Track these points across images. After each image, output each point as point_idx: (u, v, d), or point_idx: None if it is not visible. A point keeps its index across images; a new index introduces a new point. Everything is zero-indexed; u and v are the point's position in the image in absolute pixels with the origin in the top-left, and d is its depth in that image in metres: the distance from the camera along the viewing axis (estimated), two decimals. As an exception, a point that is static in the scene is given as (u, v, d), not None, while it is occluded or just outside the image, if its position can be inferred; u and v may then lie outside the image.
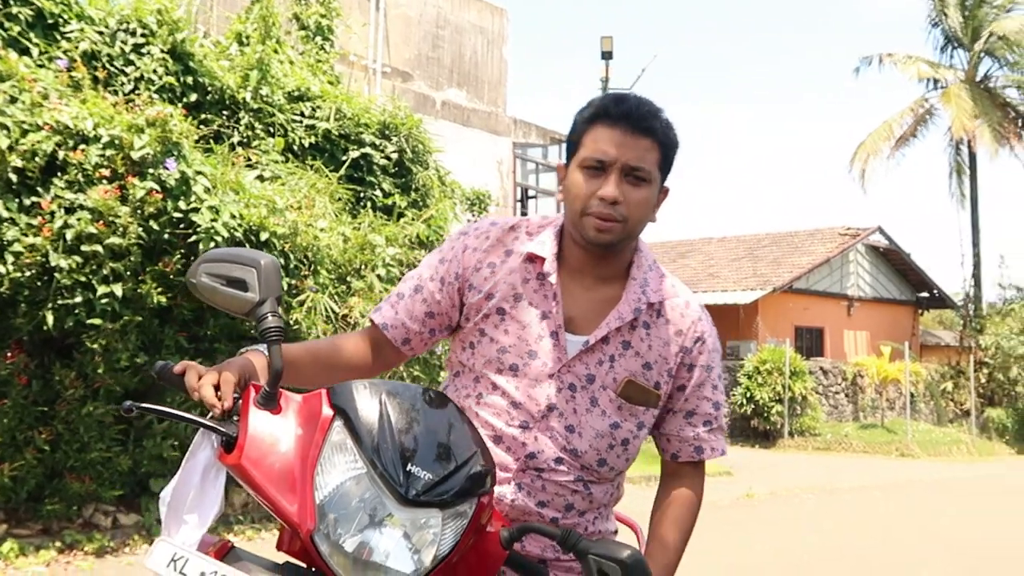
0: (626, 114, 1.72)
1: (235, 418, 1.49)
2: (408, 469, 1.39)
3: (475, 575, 1.51)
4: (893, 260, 26.92)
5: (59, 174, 6.08)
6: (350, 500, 1.38)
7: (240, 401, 1.50)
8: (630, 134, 1.71)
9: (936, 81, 27.54)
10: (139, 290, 6.28)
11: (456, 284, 1.84)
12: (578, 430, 1.78)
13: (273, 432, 1.45)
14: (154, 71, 7.54)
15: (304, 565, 1.47)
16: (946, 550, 8.18)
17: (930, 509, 11.33)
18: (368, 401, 1.44)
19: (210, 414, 1.52)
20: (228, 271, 1.53)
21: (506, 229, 1.86)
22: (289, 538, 1.48)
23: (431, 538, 1.40)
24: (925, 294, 27.84)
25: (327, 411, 1.45)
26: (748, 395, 20.38)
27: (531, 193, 20.05)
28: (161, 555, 1.38)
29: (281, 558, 1.51)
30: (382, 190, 9.28)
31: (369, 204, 9.03)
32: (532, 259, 1.81)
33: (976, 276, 26.27)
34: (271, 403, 1.47)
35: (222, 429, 1.46)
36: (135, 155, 6.19)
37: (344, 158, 8.98)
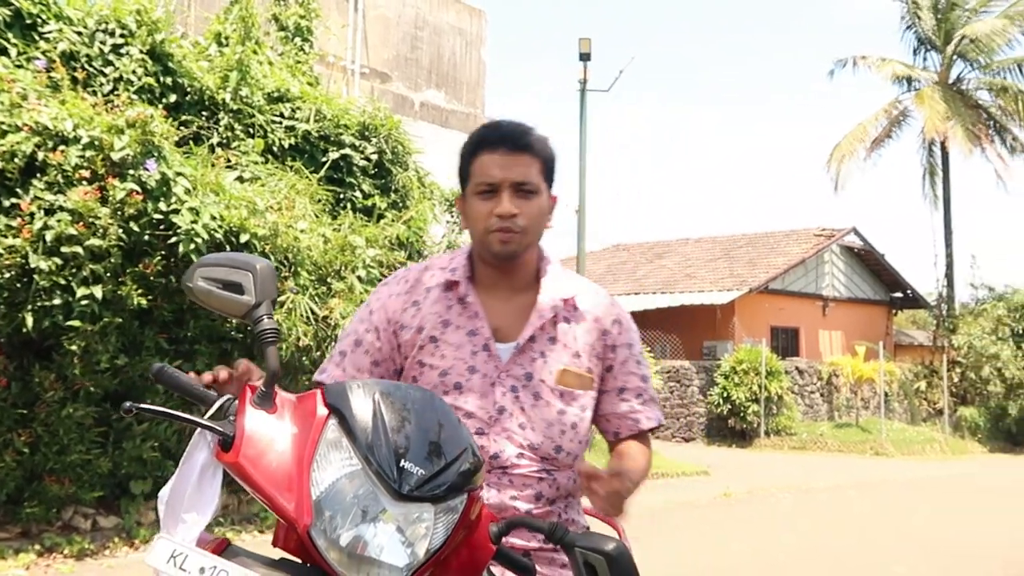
0: (503, 137, 1.93)
1: (231, 418, 1.52)
2: (401, 465, 1.43)
3: (465, 568, 1.56)
4: (867, 261, 27.19)
5: (38, 175, 6.07)
6: (345, 496, 1.43)
7: (236, 401, 1.54)
8: (510, 154, 1.91)
9: (910, 82, 27.84)
10: (119, 292, 6.28)
11: (390, 328, 2.00)
12: (530, 425, 1.93)
13: (269, 431, 1.49)
14: (133, 72, 7.53)
15: (300, 560, 1.51)
16: (920, 548, 8.30)
17: (904, 507, 11.48)
18: (362, 400, 1.49)
19: (208, 414, 1.56)
20: (224, 275, 1.56)
21: (422, 269, 2.06)
22: (284, 534, 1.52)
23: (423, 532, 1.44)
24: (899, 294, 28.14)
25: (322, 410, 1.49)
26: (725, 395, 20.53)
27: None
28: (161, 552, 1.42)
29: (276, 555, 1.55)
30: (362, 191, 9.30)
31: (349, 205, 9.05)
32: (450, 286, 2.00)
33: (949, 276, 26.55)
34: (267, 403, 1.51)
35: (219, 428, 1.50)
36: (115, 156, 6.20)
37: (324, 159, 9.00)
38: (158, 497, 1.55)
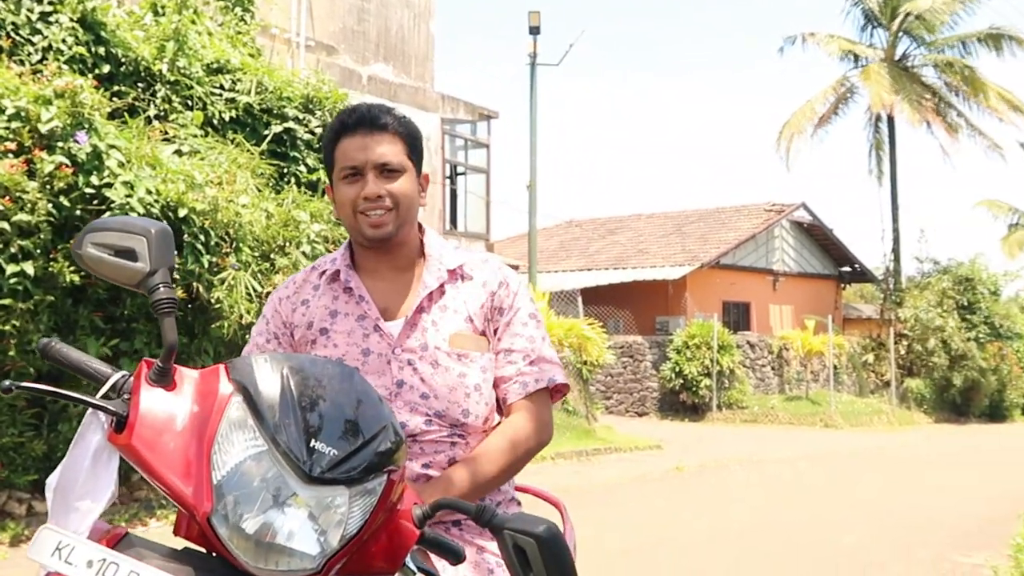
0: (360, 119, 1.92)
1: (126, 396, 1.39)
2: (312, 446, 1.31)
3: (386, 555, 1.44)
4: (816, 235, 27.46)
5: (-39, 148, 5.80)
6: (251, 480, 1.30)
7: (132, 378, 1.41)
8: (370, 135, 1.90)
9: (857, 59, 28.06)
10: (50, 269, 6.05)
11: (286, 332, 1.99)
12: (432, 394, 1.89)
13: (167, 410, 1.36)
14: (63, 41, 7.25)
15: (204, 550, 1.38)
16: (869, 518, 8.37)
17: (853, 478, 11.62)
18: (269, 375, 1.36)
19: (100, 392, 1.42)
20: (116, 240, 1.42)
21: (308, 271, 2.06)
22: (187, 523, 1.39)
23: (338, 518, 1.32)
24: (847, 269, 28.50)
25: (225, 387, 1.36)
26: (677, 370, 20.64)
27: (460, 170, 19.94)
28: (45, 543, 1.29)
29: (180, 544, 1.42)
30: (306, 165, 9.09)
31: (293, 180, 8.84)
32: (334, 278, 1.99)
33: (896, 251, 26.93)
34: (165, 379, 1.38)
35: (111, 408, 1.36)
36: (43, 128, 5.95)
37: (266, 133, 8.78)
38: (46, 484, 1.41)
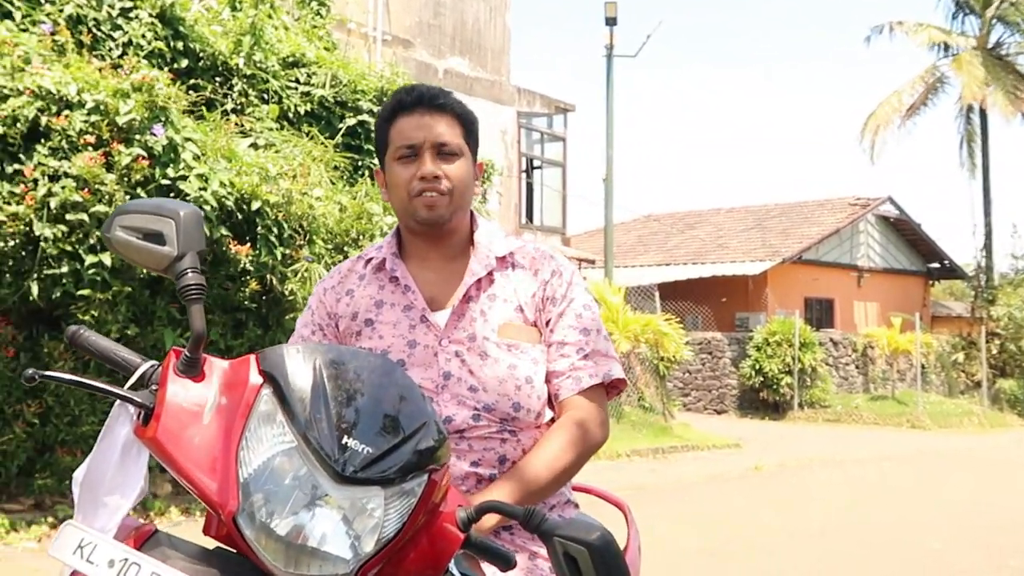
0: (419, 98, 1.83)
1: (154, 387, 1.32)
2: (344, 443, 1.22)
3: (427, 560, 1.34)
4: (904, 230, 26.63)
5: (42, 141, 5.91)
6: (280, 478, 1.22)
7: (159, 368, 1.34)
8: (429, 114, 1.82)
9: (947, 48, 27.11)
10: (128, 260, 6.12)
11: (331, 323, 1.92)
12: (481, 387, 1.79)
13: (194, 402, 1.28)
14: (142, 36, 7.35)
15: (234, 551, 1.30)
16: (957, 523, 8.03)
17: (941, 481, 11.19)
18: (302, 367, 1.27)
19: (128, 383, 1.36)
20: (144, 223, 1.35)
21: (354, 260, 1.99)
22: (216, 522, 1.32)
23: (373, 521, 1.23)
24: (936, 265, 27.57)
25: (255, 378, 1.28)
26: (757, 367, 20.21)
27: (536, 163, 19.82)
28: (67, 541, 1.22)
29: (212, 544, 1.35)
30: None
31: (367, 172, 8.85)
32: (380, 267, 1.91)
33: (988, 246, 25.96)
34: (193, 369, 1.30)
35: (136, 399, 1.29)
36: (121, 121, 6.02)
37: (341, 125, 8.79)
38: (72, 478, 1.35)
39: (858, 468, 12.20)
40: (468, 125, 1.86)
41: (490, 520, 1.68)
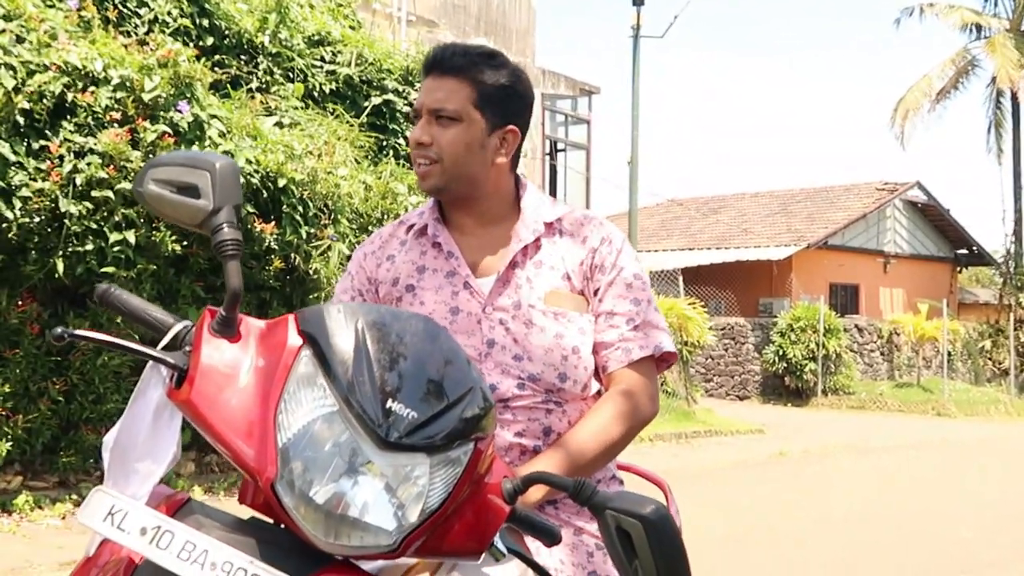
0: (431, 61, 1.77)
1: (187, 348, 1.26)
2: (388, 407, 1.15)
3: (472, 533, 1.27)
4: (931, 216, 26.31)
5: (68, 117, 5.87)
6: (321, 444, 1.15)
7: (193, 328, 1.27)
8: (436, 77, 1.76)
9: (979, 29, 26.69)
10: (153, 238, 6.09)
11: (371, 288, 1.87)
12: (526, 356, 1.73)
13: (230, 363, 1.22)
14: (168, 13, 7.30)
15: (271, 521, 1.24)
16: (987, 512, 7.91)
17: (969, 469, 11.04)
18: (343, 328, 1.20)
19: (161, 343, 1.29)
20: (178, 176, 1.29)
21: (395, 225, 1.93)
22: (252, 490, 1.25)
23: (418, 490, 1.16)
24: (964, 251, 27.24)
25: (294, 339, 1.21)
26: (781, 353, 20.05)
27: (560, 146, 19.69)
28: (97, 507, 1.16)
29: (246, 513, 1.28)
30: (405, 138, 9.00)
31: (391, 152, 8.79)
32: (422, 233, 1.85)
33: (1017, 232, 25.60)
34: (229, 329, 1.24)
35: (169, 360, 1.23)
36: (146, 97, 5.98)
37: (366, 104, 8.72)
38: (102, 443, 1.29)
39: (884, 456, 12.07)
40: (485, 88, 1.75)
41: (536, 493, 1.61)
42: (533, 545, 1.59)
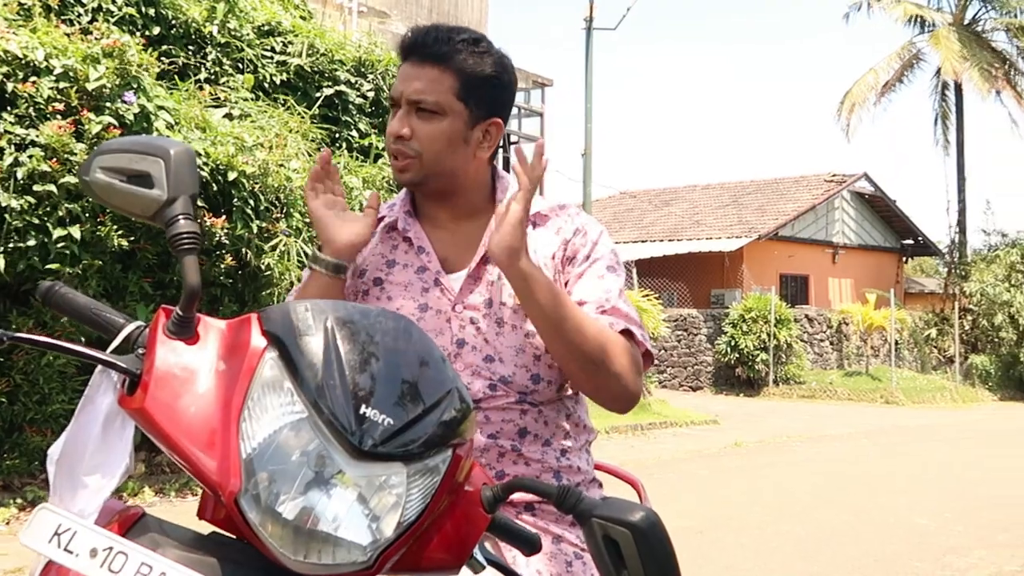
0: (413, 44, 1.66)
1: (140, 351, 1.16)
2: (362, 413, 1.06)
3: (451, 544, 1.19)
4: (878, 207, 26.73)
5: (8, 108, 5.67)
6: (288, 454, 1.06)
7: (147, 330, 1.17)
8: (416, 64, 1.65)
9: (923, 23, 27.12)
10: (98, 233, 5.91)
11: None
12: (497, 357, 1.65)
13: (188, 367, 1.12)
14: (113, 1, 7.08)
15: (233, 536, 1.14)
16: (941, 497, 8.01)
17: (920, 456, 11.20)
18: (312, 328, 1.11)
19: (111, 346, 1.19)
20: (129, 163, 1.18)
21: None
22: (213, 504, 1.16)
23: (393, 500, 1.08)
24: (910, 241, 27.73)
25: (258, 341, 1.11)
26: (733, 343, 20.22)
27: (513, 138, 19.59)
28: (42, 527, 1.06)
29: (206, 528, 1.19)
30: (358, 130, 8.88)
31: (344, 144, 8.64)
32: (393, 227, 1.76)
33: (961, 223, 26.09)
34: (186, 330, 1.14)
35: (120, 364, 1.13)
36: (91, 87, 5.80)
37: (317, 96, 8.57)
38: (47, 456, 1.19)
39: (837, 444, 12.21)
40: (470, 78, 1.64)
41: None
42: (510, 553, 1.52)
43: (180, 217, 1.16)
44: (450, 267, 1.71)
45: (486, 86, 1.67)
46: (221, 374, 1.12)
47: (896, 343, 21.99)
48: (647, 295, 15.44)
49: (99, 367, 1.18)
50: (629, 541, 1.16)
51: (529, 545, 1.31)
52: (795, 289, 24.40)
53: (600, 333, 1.59)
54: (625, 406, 1.64)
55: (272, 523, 1.04)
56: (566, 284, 1.70)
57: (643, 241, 24.45)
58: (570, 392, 1.72)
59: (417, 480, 1.09)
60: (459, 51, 1.64)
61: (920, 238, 27.51)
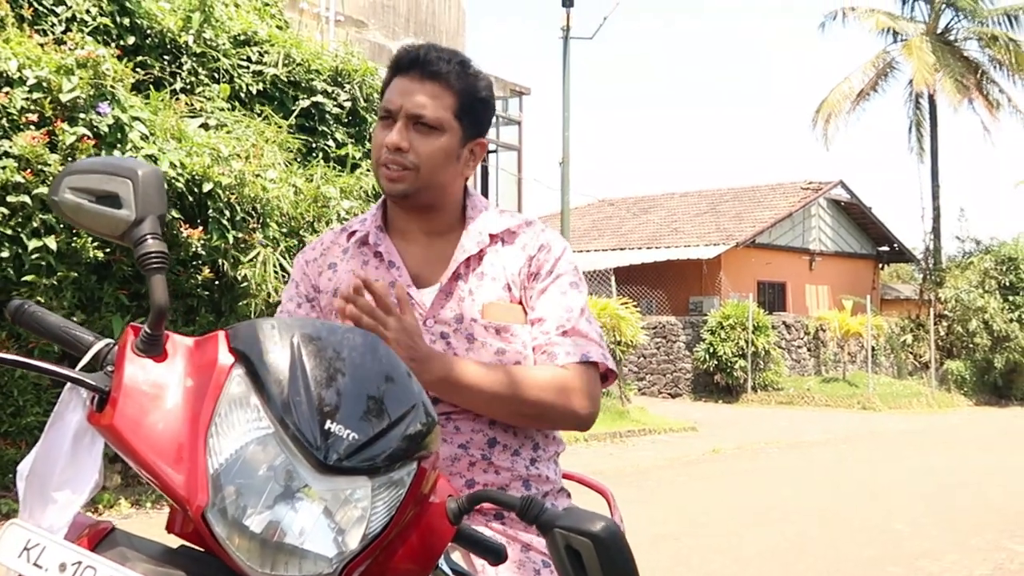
0: (413, 60, 1.70)
1: (109, 369, 1.18)
2: (327, 428, 1.09)
3: (416, 555, 1.22)
4: (854, 214, 26.94)
5: (-19, 119, 5.65)
6: (255, 469, 1.08)
7: (115, 347, 1.19)
8: (417, 80, 1.69)
9: (896, 34, 27.41)
10: (74, 244, 5.89)
11: (317, 296, 1.81)
12: None
13: (156, 384, 1.14)
14: (87, 11, 7.07)
15: (202, 550, 1.17)
16: (917, 501, 8.09)
17: (896, 461, 11.30)
18: (278, 345, 1.13)
19: (80, 364, 1.21)
20: (98, 184, 1.21)
21: (338, 232, 1.87)
22: (181, 519, 1.18)
23: (358, 513, 1.10)
24: (885, 248, 27.95)
25: (225, 358, 1.14)
26: (711, 351, 20.32)
27: (492, 147, 19.65)
28: (11, 542, 1.08)
29: (175, 542, 1.21)
30: (335, 140, 8.89)
31: (321, 155, 8.64)
32: (364, 242, 1.79)
33: (936, 229, 26.36)
34: (154, 348, 1.16)
35: (90, 382, 1.15)
36: (64, 98, 5.78)
37: (294, 106, 8.57)
38: (16, 472, 1.20)
39: (814, 450, 12.30)
40: (466, 98, 1.70)
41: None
42: (479, 562, 1.54)
43: (148, 237, 1.18)
44: (421, 282, 1.74)
45: (479, 107, 1.74)
46: (189, 390, 1.14)
47: (873, 349, 22.17)
48: (625, 303, 15.50)
49: (68, 384, 1.20)
50: (590, 551, 1.18)
51: (494, 555, 1.33)
52: (773, 296, 24.55)
53: (542, 391, 1.64)
54: (581, 430, 1.74)
55: (239, 536, 1.07)
56: (531, 299, 1.73)
57: (622, 249, 24.54)
58: None
59: (382, 493, 1.11)
60: (456, 72, 1.70)
61: (896, 245, 27.75)
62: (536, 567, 1.63)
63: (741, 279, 23.16)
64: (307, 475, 1.08)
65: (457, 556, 1.50)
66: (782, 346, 21.92)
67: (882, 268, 29.01)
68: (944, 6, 26.82)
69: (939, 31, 27.05)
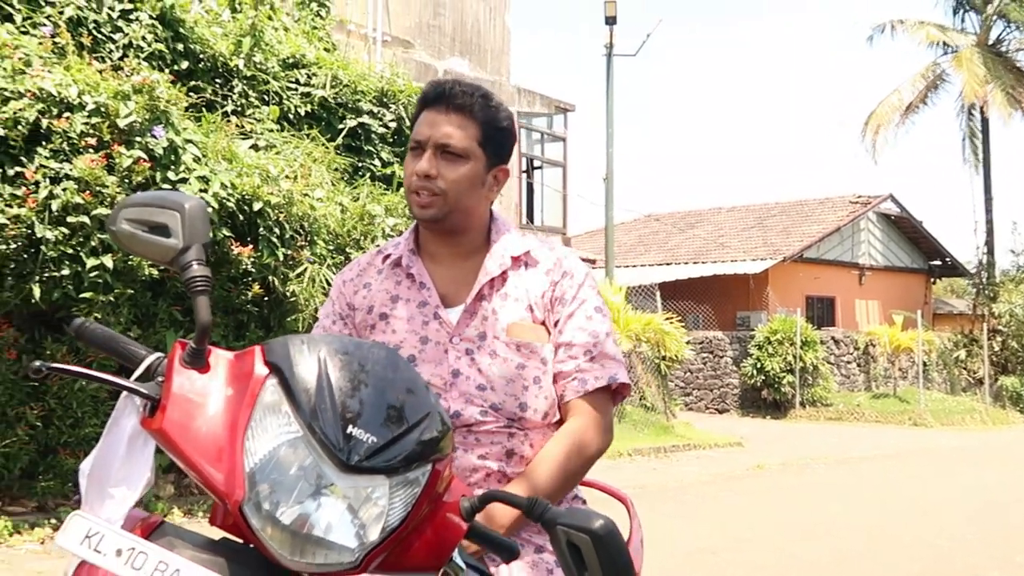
0: (439, 95, 1.84)
1: (160, 379, 1.33)
2: (349, 432, 1.23)
3: (431, 549, 1.35)
4: (905, 228, 26.62)
5: (43, 143, 5.92)
6: (286, 468, 1.23)
7: (165, 360, 1.35)
8: (443, 112, 1.82)
9: (947, 46, 27.11)
10: (130, 262, 6.13)
11: (351, 314, 1.95)
12: (489, 385, 1.82)
13: (200, 393, 1.29)
14: (143, 38, 7.36)
15: (241, 541, 1.31)
16: (965, 519, 8.02)
17: (947, 478, 11.18)
18: (307, 358, 1.28)
19: (134, 375, 1.37)
20: (149, 215, 1.37)
21: (374, 254, 2.00)
22: (222, 512, 1.33)
23: (378, 510, 1.24)
24: (937, 262, 27.56)
25: (260, 369, 1.28)
26: (758, 366, 20.21)
27: (536, 163, 19.83)
28: (75, 531, 1.23)
29: (218, 534, 1.36)
30: (380, 159, 9.10)
31: (367, 174, 8.86)
32: (397, 264, 1.93)
33: (989, 243, 25.99)
34: (198, 361, 1.31)
35: (143, 390, 1.30)
36: (121, 123, 6.03)
37: (341, 127, 8.80)
38: (79, 470, 1.36)
39: (862, 466, 12.20)
40: (489, 128, 1.84)
41: (505, 517, 1.71)
42: (495, 563, 1.67)
43: (194, 262, 1.34)
44: (449, 301, 1.88)
45: (501, 136, 1.88)
46: (228, 399, 1.29)
47: (924, 365, 21.88)
48: (670, 318, 15.53)
49: (124, 393, 1.35)
50: (589, 546, 1.31)
51: (506, 552, 1.46)
52: (821, 311, 24.34)
53: (558, 473, 1.78)
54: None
55: (272, 528, 1.21)
56: (556, 324, 1.87)
57: (668, 264, 24.53)
58: (556, 420, 1.87)
59: (399, 491, 1.25)
60: (480, 104, 1.84)
61: (948, 259, 27.36)
62: (549, 567, 1.74)
63: (789, 294, 23.01)
64: (332, 474, 1.22)
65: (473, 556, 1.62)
66: (831, 361, 21.73)
67: (934, 282, 28.61)
68: (995, 18, 26.49)
69: (990, 43, 26.72)
